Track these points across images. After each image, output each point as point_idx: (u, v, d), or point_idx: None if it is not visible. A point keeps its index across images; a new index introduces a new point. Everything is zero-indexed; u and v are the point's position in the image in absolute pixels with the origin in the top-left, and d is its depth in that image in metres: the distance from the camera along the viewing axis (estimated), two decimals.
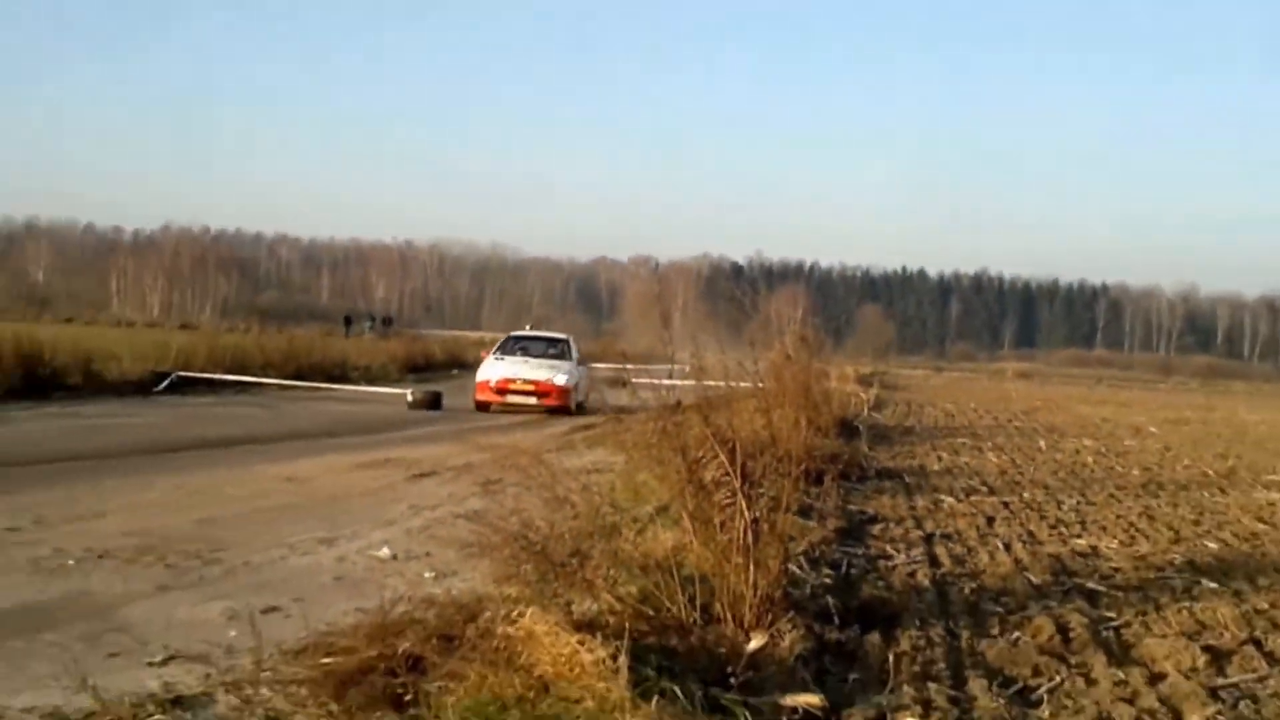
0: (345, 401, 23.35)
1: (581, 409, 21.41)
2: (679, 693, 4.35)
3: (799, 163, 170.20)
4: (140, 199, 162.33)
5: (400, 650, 4.92)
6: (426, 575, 7.45)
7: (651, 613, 5.24)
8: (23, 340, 19.86)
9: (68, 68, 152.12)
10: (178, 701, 4.86)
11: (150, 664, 5.44)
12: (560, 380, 21.90)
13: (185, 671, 5.31)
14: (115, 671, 5.15)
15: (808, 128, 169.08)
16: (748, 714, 4.41)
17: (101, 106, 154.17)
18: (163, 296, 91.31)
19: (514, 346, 23.72)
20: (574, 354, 23.44)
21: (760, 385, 7.27)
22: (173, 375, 22.73)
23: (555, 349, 23.64)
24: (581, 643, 4.48)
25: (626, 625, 4.74)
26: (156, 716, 4.59)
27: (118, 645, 5.77)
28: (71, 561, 7.58)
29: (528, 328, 27.77)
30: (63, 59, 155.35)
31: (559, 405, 21.48)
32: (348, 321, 61.00)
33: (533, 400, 21.55)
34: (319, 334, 42.81)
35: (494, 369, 22.34)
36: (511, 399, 21.61)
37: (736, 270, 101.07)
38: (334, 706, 4.52)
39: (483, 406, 21.82)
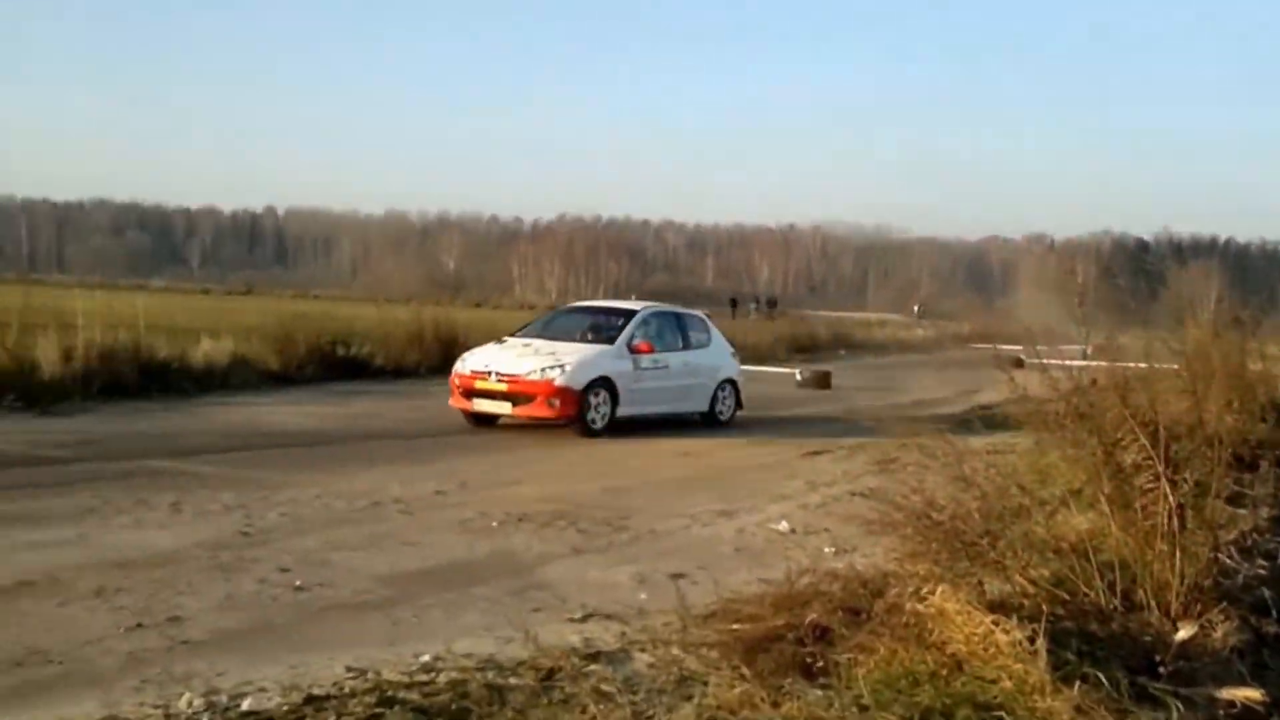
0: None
1: (714, 420, 15.16)
2: (1102, 678, 4.16)
3: (1208, 132, 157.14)
4: (538, 192, 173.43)
5: (807, 620, 4.98)
6: (827, 550, 7.52)
7: (1067, 597, 5.04)
8: (440, 322, 21.68)
9: (470, 78, 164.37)
10: (597, 656, 5.15)
11: (570, 620, 5.82)
12: (559, 377, 13.20)
13: (602, 629, 5.64)
14: (539, 625, 5.49)
15: (1219, 92, 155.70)
16: (1179, 705, 4.16)
17: (497, 113, 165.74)
18: (559, 281, 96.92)
19: (550, 325, 15.36)
20: (675, 335, 15.09)
21: (1184, 366, 6.80)
22: None
23: (609, 327, 14.60)
24: (996, 623, 4.37)
25: (1043, 608, 4.59)
26: (592, 668, 4.88)
27: (540, 601, 6.22)
28: (494, 524, 8.20)
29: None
30: (469, 72, 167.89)
31: (553, 416, 13.30)
32: (733, 303, 62.17)
33: (505, 407, 13.44)
34: (720, 316, 43.88)
35: (473, 357, 14.20)
36: (479, 404, 13.65)
37: (1142, 247, 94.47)
38: (745, 670, 4.63)
39: (471, 417, 13.98)
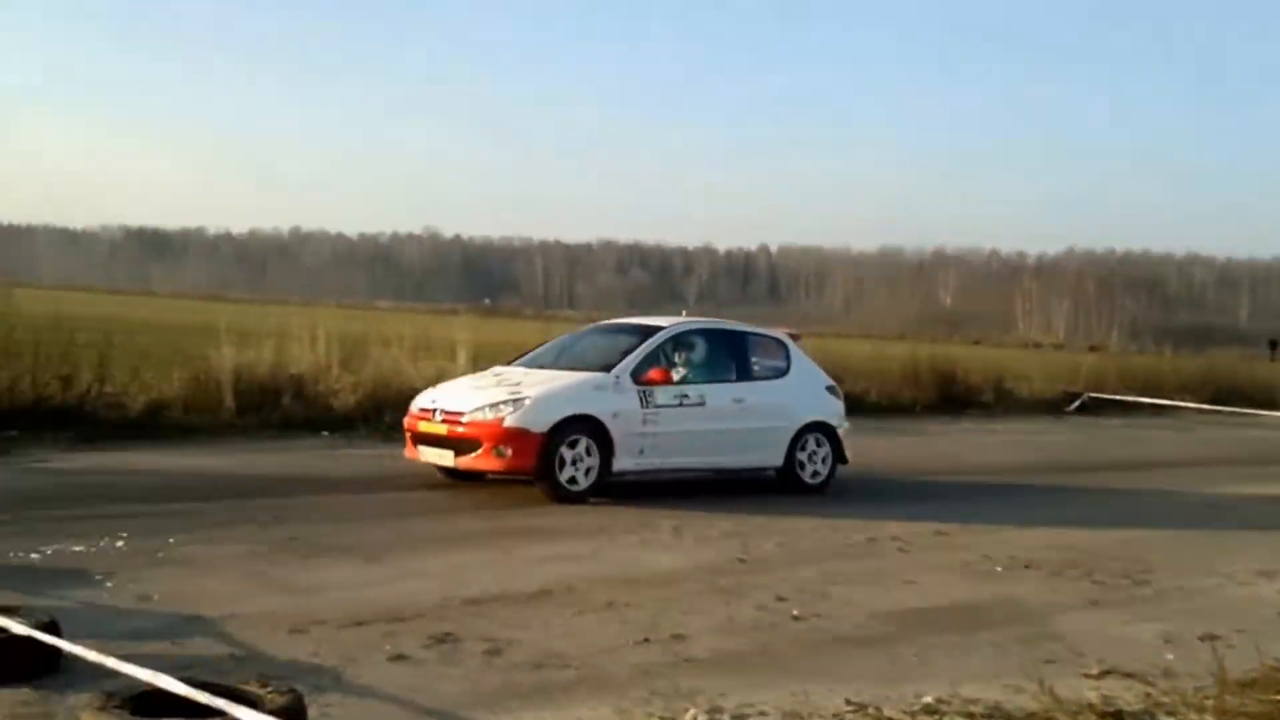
0: (1273, 428, 21.53)
1: (796, 480, 10.77)
2: None
3: None
4: (1044, 225, 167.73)
5: None
6: None
7: None
8: (938, 360, 21.56)
9: (967, 115, 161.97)
10: (1119, 715, 4.76)
11: (1086, 675, 5.41)
12: (510, 415, 9.49)
13: (1123, 688, 5.21)
14: (1051, 677, 5.13)
15: None
16: None
17: (994, 144, 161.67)
18: (1067, 319, 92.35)
19: (571, 347, 11.26)
20: (725, 361, 10.86)
21: None
22: (1084, 396, 22.80)
23: (623, 349, 10.39)
24: None
25: None
26: None
27: (1051, 652, 5.82)
28: (999, 568, 7.85)
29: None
30: (965, 111, 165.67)
31: (504, 469, 9.61)
32: (1272, 345, 56.38)
33: (448, 455, 9.77)
34: (1239, 357, 40.06)
35: (427, 393, 10.69)
36: (424, 453, 10.07)
37: None
38: None
39: (445, 473, 10.30)
